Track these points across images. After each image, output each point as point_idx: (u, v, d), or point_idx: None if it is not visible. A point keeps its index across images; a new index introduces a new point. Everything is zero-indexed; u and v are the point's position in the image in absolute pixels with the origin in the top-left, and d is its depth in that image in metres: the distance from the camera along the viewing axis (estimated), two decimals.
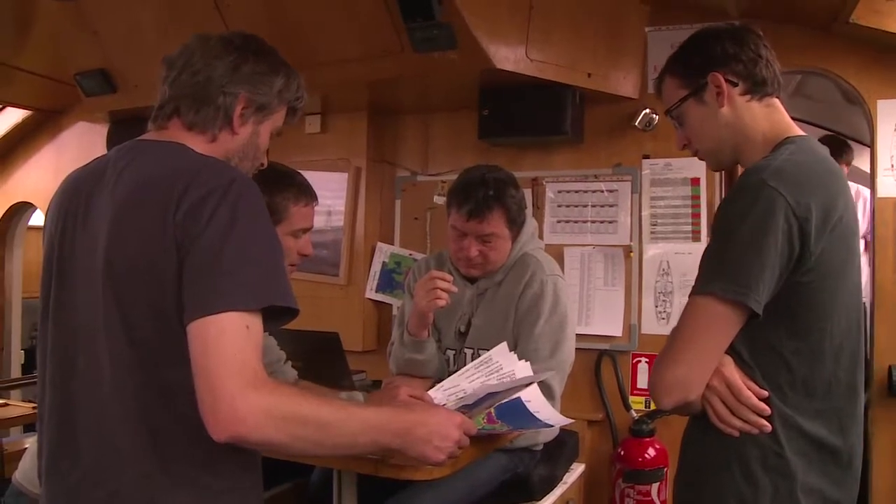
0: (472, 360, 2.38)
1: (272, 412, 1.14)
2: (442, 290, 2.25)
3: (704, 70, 1.48)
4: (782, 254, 1.30)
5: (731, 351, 1.38)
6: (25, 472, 1.81)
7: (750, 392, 1.35)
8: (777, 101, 1.52)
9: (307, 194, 2.02)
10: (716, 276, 1.33)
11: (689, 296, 1.38)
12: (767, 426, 1.35)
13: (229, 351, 1.13)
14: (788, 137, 1.45)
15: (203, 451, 1.17)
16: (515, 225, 2.39)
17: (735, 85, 1.47)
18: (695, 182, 3.10)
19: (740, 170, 1.50)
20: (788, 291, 1.33)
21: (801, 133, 1.48)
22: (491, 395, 1.86)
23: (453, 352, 2.45)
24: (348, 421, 1.25)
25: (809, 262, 1.32)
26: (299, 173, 2.07)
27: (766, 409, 1.36)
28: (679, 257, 3.13)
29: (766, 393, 1.36)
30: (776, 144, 1.45)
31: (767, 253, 1.29)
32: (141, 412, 1.22)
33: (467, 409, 1.83)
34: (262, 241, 1.23)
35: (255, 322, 1.17)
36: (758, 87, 1.48)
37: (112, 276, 1.23)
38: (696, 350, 1.36)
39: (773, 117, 1.49)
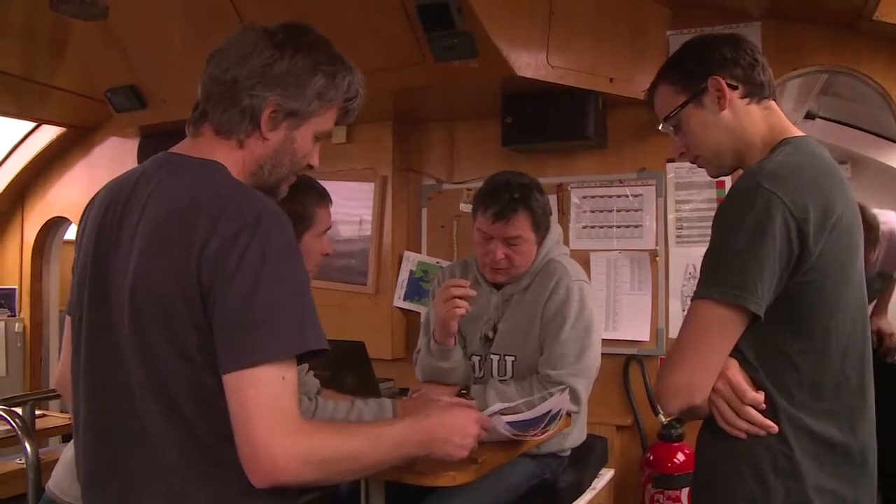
0: (498, 367, 2.40)
1: (310, 458, 1.17)
2: (459, 297, 2.26)
3: (704, 74, 1.48)
4: (781, 255, 1.30)
5: (737, 353, 1.37)
6: (58, 482, 1.84)
7: (754, 393, 1.35)
8: (774, 104, 1.51)
9: (325, 195, 2.04)
10: (714, 279, 1.33)
11: (691, 300, 1.38)
12: (774, 427, 1.34)
13: (267, 404, 1.14)
14: (785, 139, 1.45)
15: (236, 476, 1.18)
16: (540, 229, 2.40)
17: (735, 88, 1.47)
18: (720, 185, 3.08)
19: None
20: (790, 292, 1.33)
21: (800, 133, 1.48)
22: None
23: (478, 358, 2.45)
24: (376, 447, 1.30)
25: (810, 261, 1.31)
26: (310, 177, 2.05)
27: (763, 406, 1.35)
28: None
29: (762, 395, 1.36)
30: (773, 146, 1.45)
31: (766, 255, 1.29)
32: (171, 439, 1.22)
33: None
34: (294, 283, 1.20)
35: (290, 370, 1.18)
36: (756, 90, 1.48)
37: (135, 305, 1.23)
38: (698, 354, 1.36)
39: (771, 120, 1.49)
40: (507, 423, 1.82)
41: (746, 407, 1.35)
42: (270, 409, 1.14)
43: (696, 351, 1.36)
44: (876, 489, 1.44)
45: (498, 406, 1.86)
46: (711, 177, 1.62)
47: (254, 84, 1.31)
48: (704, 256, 1.38)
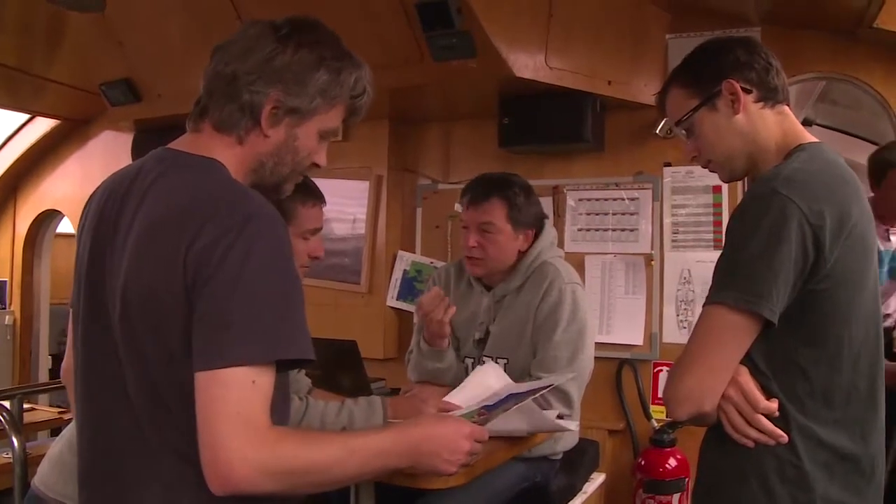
0: None
1: (269, 469, 1.12)
2: (430, 310, 2.30)
3: (718, 78, 1.46)
4: (796, 262, 1.28)
5: (748, 360, 1.35)
6: (44, 477, 1.81)
7: (767, 402, 1.33)
8: (788, 109, 1.50)
9: (314, 195, 2.00)
10: (728, 285, 1.32)
11: (703, 306, 1.37)
12: (784, 436, 1.33)
13: (232, 409, 1.10)
14: (800, 145, 1.44)
15: None
16: (518, 224, 2.38)
17: (749, 92, 1.46)
18: (716, 190, 3.09)
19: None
20: (804, 300, 1.32)
21: (814, 140, 1.46)
22: (513, 396, 1.85)
23: (472, 360, 2.44)
24: (349, 458, 1.23)
25: (825, 269, 1.30)
26: (306, 175, 2.05)
27: (776, 415, 1.33)
28: (700, 265, 3.10)
29: (776, 405, 1.34)
30: (788, 152, 1.43)
31: (781, 261, 1.27)
32: (164, 439, 1.21)
33: (487, 409, 1.82)
34: (276, 288, 1.16)
35: (262, 375, 1.13)
36: (770, 95, 1.47)
37: (126, 302, 1.21)
38: (709, 360, 1.34)
39: (785, 125, 1.48)
40: (492, 404, 1.81)
41: (757, 415, 1.33)
42: (234, 412, 1.10)
43: (706, 356, 1.35)
44: (882, 500, 1.43)
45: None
46: (724, 181, 1.61)
47: (254, 79, 1.26)
48: (718, 262, 1.37)
